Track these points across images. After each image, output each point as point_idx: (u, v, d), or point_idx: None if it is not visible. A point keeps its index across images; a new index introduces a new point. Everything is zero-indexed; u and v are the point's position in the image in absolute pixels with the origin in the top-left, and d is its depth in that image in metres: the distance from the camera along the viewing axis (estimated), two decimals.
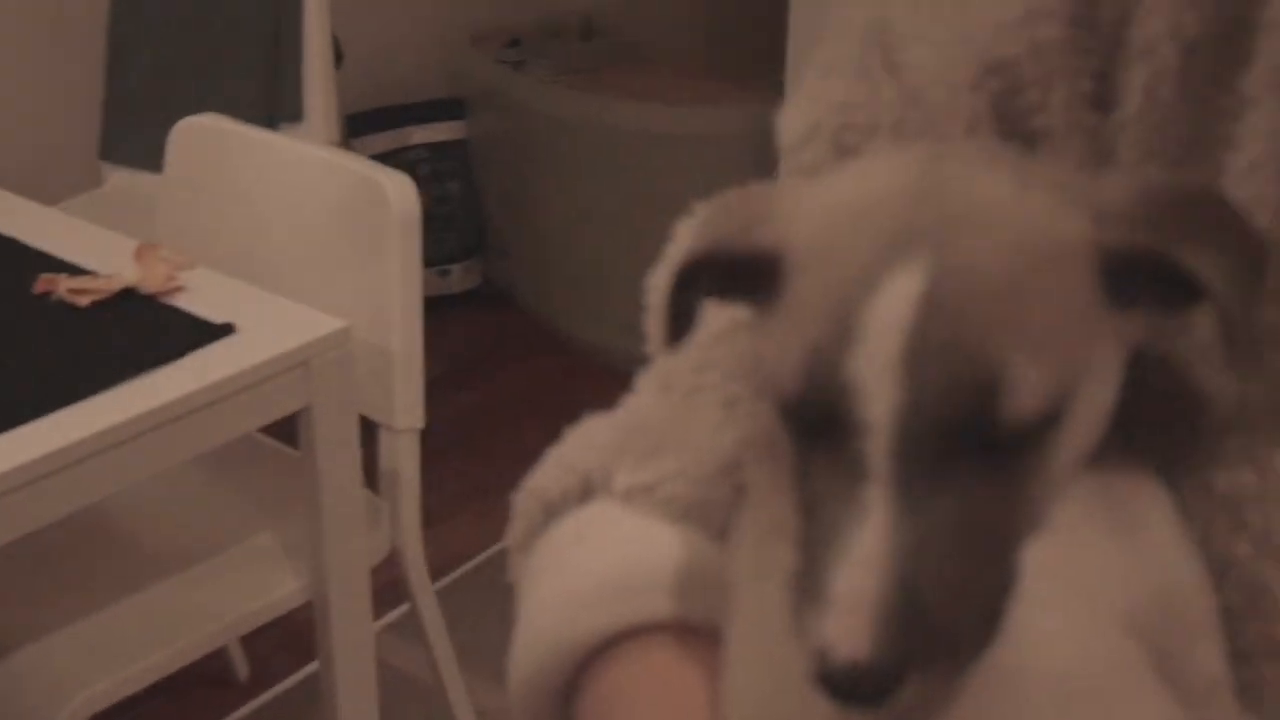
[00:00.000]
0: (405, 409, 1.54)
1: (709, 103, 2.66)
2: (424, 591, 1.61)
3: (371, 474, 1.56)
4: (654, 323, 0.61)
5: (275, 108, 2.22)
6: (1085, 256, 0.47)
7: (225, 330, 1.36)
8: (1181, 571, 0.53)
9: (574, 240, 2.79)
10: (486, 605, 1.97)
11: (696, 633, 0.59)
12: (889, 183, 0.49)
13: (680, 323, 0.55)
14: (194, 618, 1.45)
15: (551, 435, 0.66)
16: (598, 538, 0.61)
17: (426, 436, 1.57)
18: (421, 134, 2.95)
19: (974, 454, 0.46)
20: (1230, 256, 0.47)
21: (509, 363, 2.70)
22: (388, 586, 1.62)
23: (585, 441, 0.64)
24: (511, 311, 2.94)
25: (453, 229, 2.96)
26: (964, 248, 0.46)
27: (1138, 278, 0.48)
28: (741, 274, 0.52)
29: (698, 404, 0.62)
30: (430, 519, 1.64)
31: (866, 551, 0.45)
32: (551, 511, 0.63)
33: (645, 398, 0.65)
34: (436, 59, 3.02)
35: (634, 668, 0.59)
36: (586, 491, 0.63)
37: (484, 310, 2.95)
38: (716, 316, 0.63)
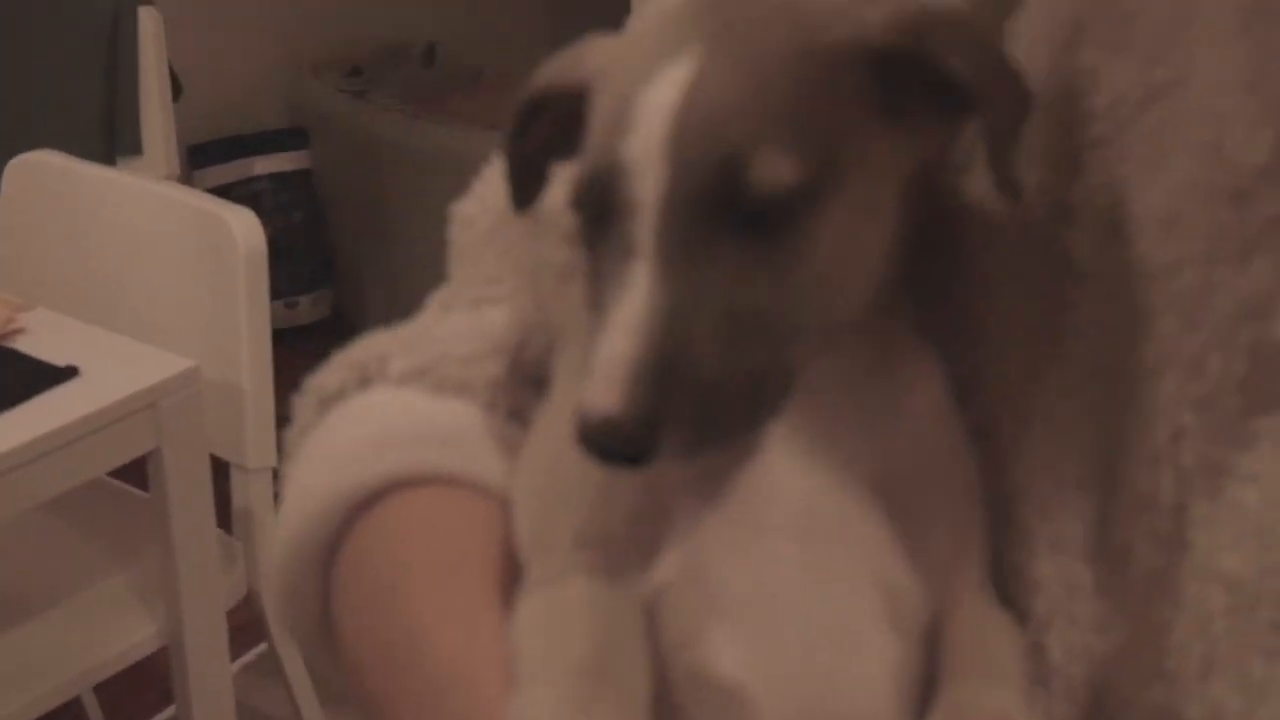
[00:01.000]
0: (257, 447, 1.52)
1: None
2: (282, 631, 1.58)
3: (226, 514, 1.53)
4: (502, 187, 0.62)
5: (113, 142, 2.18)
6: (852, 58, 0.50)
7: (69, 373, 1.33)
8: (940, 443, 0.55)
9: (424, 269, 2.76)
10: None
11: (464, 486, 0.60)
12: (668, 6, 0.52)
13: (527, 186, 0.57)
14: (46, 666, 1.41)
15: None
16: (369, 411, 0.63)
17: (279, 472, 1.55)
18: (264, 164, 2.91)
19: (736, 232, 0.48)
20: (990, 71, 0.50)
21: None
22: (246, 625, 1.60)
23: (365, 344, 0.66)
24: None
25: (299, 260, 2.93)
26: (734, 43, 0.49)
27: (909, 86, 0.50)
28: (571, 129, 0.54)
29: (475, 312, 0.65)
30: None
31: (624, 318, 0.47)
32: (327, 405, 0.64)
33: (426, 315, 0.68)
34: (277, 88, 2.99)
35: (399, 510, 0.60)
36: (364, 381, 0.64)
37: (336, 342, 2.85)
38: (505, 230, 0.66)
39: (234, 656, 1.55)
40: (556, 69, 0.55)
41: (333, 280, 3.01)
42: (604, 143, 0.49)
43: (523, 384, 0.63)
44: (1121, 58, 0.54)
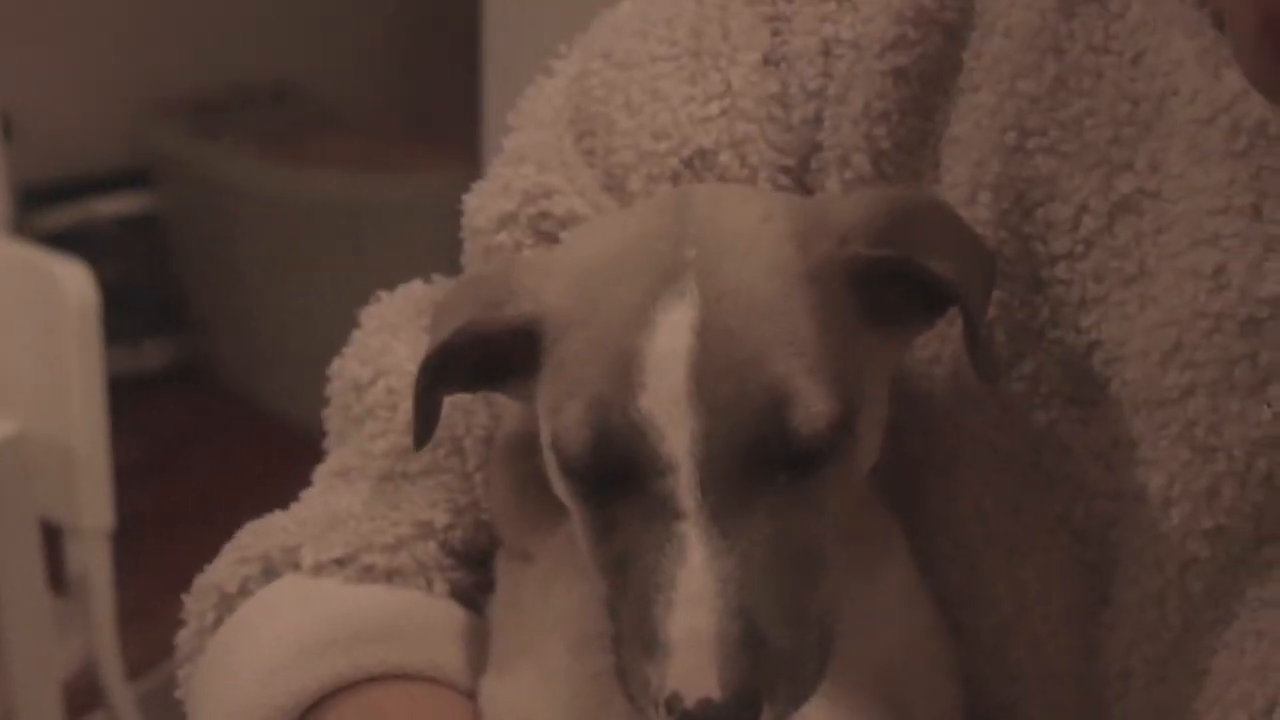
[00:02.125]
0: (91, 508, 1.46)
1: (407, 170, 2.65)
2: (120, 696, 1.54)
3: (60, 577, 1.47)
4: (408, 419, 0.58)
5: None
6: (837, 275, 0.48)
7: None
8: (914, 621, 0.54)
9: (276, 314, 2.73)
10: None
11: (419, 680, 0.56)
12: (640, 228, 0.50)
13: (428, 419, 0.53)
14: None
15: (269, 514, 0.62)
16: (290, 605, 0.57)
17: (127, 526, 1.51)
18: (106, 206, 2.83)
19: (776, 474, 0.46)
20: (965, 260, 0.49)
21: (217, 444, 2.59)
22: (83, 691, 1.54)
23: (261, 531, 0.61)
24: (216, 390, 2.83)
25: (143, 305, 2.84)
26: (726, 274, 0.46)
27: (887, 292, 0.49)
28: (493, 357, 0.51)
29: (388, 486, 0.60)
30: (135, 614, 1.56)
31: (695, 589, 0.44)
32: (228, 606, 0.59)
33: (322, 487, 0.62)
34: (118, 127, 2.90)
35: (354, 708, 0.55)
36: (270, 574, 0.59)
37: (186, 390, 2.82)
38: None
39: None
40: (481, 303, 0.51)
41: (182, 328, 2.93)
42: (609, 404, 0.46)
43: (457, 566, 0.59)
44: (1077, 165, 0.52)
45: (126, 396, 1.98)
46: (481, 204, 0.61)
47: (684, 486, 0.45)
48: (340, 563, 0.58)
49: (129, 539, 1.51)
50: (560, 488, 0.50)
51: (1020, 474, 0.54)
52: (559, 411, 0.47)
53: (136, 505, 1.54)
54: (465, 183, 0.64)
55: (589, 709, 0.51)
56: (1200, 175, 0.49)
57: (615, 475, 0.46)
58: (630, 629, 0.46)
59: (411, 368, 0.59)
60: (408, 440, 0.59)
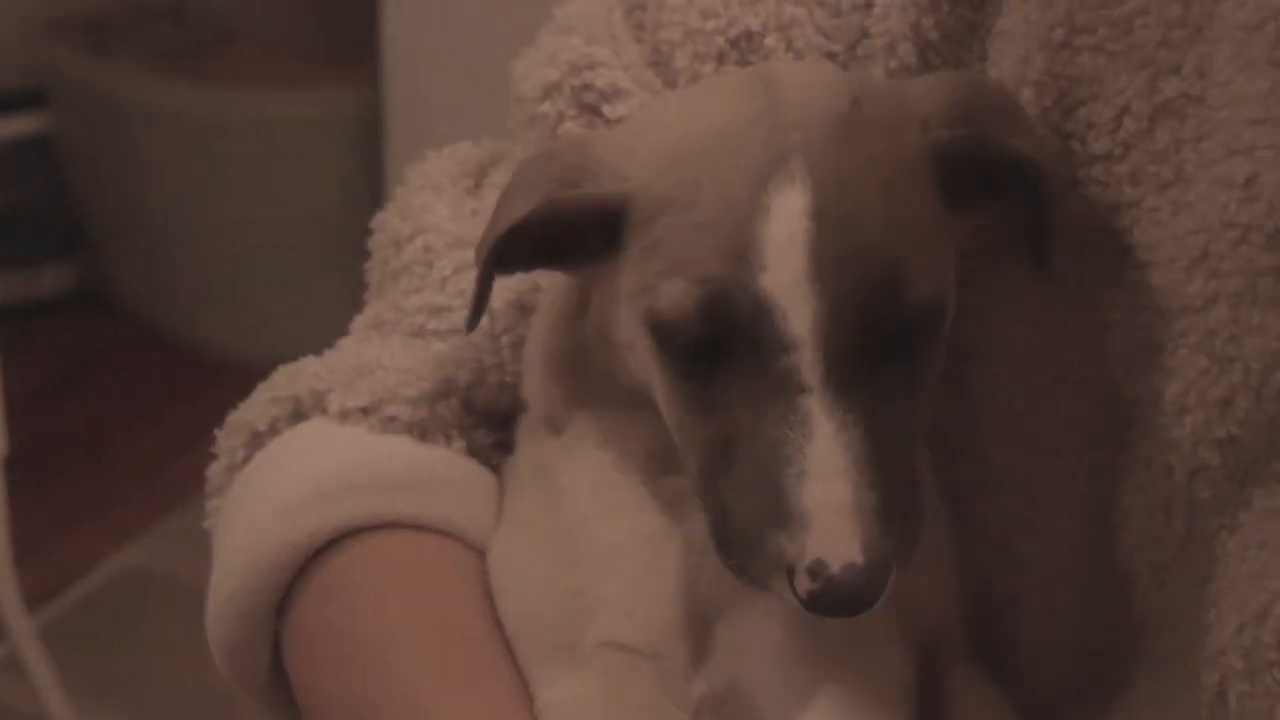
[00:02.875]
0: None
1: (308, 87, 2.58)
2: (20, 626, 1.51)
3: None
4: (442, 277, 0.60)
5: None
6: (926, 159, 0.50)
7: None
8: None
9: (179, 236, 2.66)
10: (106, 624, 1.88)
11: (432, 531, 0.57)
12: (730, 109, 0.50)
13: (485, 297, 0.53)
14: None
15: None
16: (314, 447, 0.59)
17: (26, 453, 1.48)
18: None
19: (891, 353, 0.48)
20: (1037, 142, 0.51)
21: (117, 370, 2.53)
22: None
23: (294, 374, 0.62)
24: (117, 314, 2.74)
25: (40, 230, 2.77)
26: (832, 160, 0.48)
27: (960, 176, 0.50)
28: (560, 236, 0.51)
29: (418, 342, 0.61)
30: (32, 544, 1.54)
31: (828, 461, 0.46)
32: (258, 443, 0.60)
33: (353, 340, 0.63)
34: (11, 46, 2.81)
35: (368, 560, 0.57)
36: (297, 415, 0.60)
37: (86, 314, 2.72)
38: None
39: None
40: (557, 180, 0.51)
41: (81, 251, 2.86)
42: (724, 277, 0.47)
43: (477, 425, 0.60)
44: (1123, 66, 0.52)
45: (24, 322, 1.94)
46: (527, 71, 0.62)
47: (807, 363, 0.47)
48: (365, 411, 0.59)
49: (25, 467, 1.48)
50: (653, 367, 0.50)
51: (1043, 371, 0.54)
52: (655, 290, 0.48)
53: (33, 432, 1.51)
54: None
55: (608, 566, 0.52)
56: (1243, 83, 0.49)
57: (724, 353, 0.47)
58: (744, 503, 0.47)
59: (452, 227, 0.62)
60: (440, 298, 0.62)
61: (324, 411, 0.60)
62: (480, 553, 0.58)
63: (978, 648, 0.57)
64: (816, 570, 0.45)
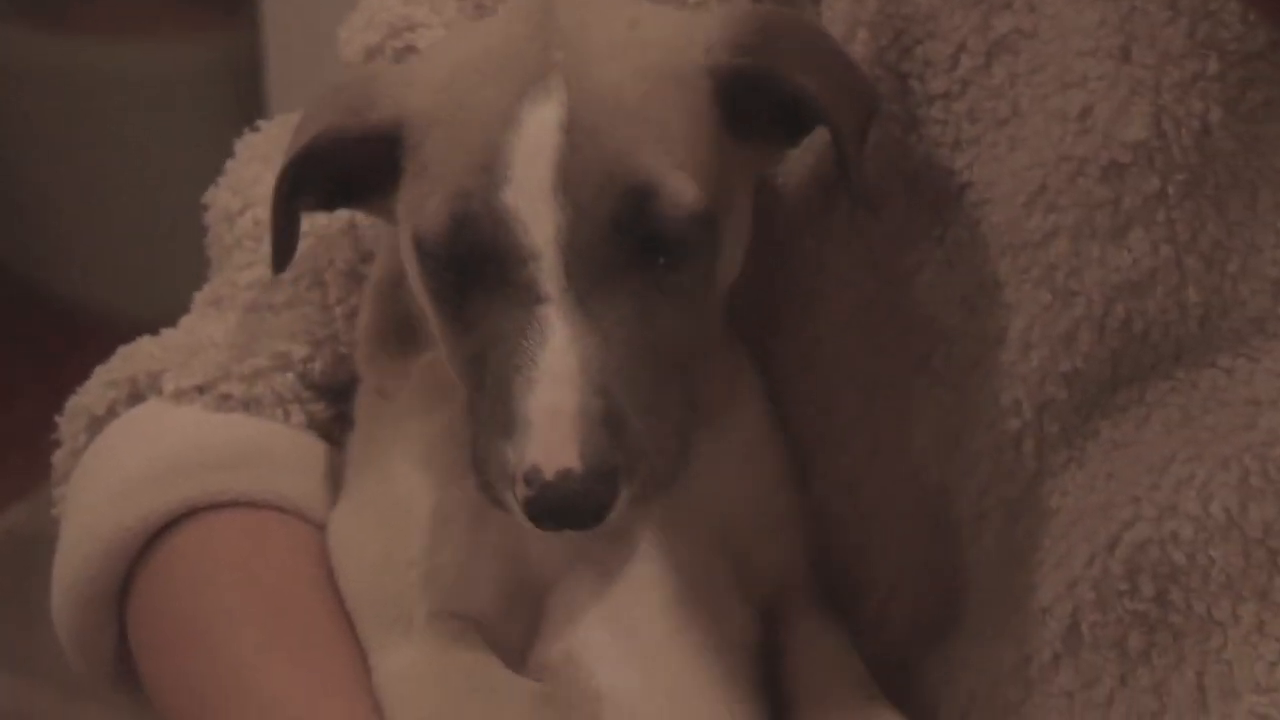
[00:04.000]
0: None
1: (182, 36, 2.52)
2: None
3: None
4: (265, 181, 0.59)
5: None
6: (702, 82, 0.49)
7: None
8: (766, 468, 0.56)
9: (48, 192, 2.59)
10: None
11: (267, 508, 0.57)
12: (505, 32, 0.51)
13: (288, 236, 0.53)
14: None
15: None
16: (148, 429, 0.59)
17: None
18: None
19: (642, 266, 0.47)
20: (834, 81, 0.50)
21: None
22: None
23: (129, 355, 0.61)
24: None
25: None
26: (594, 75, 0.48)
27: (754, 106, 0.50)
28: (353, 170, 0.51)
29: (253, 317, 0.61)
30: None
31: (556, 366, 0.45)
32: (97, 428, 0.60)
33: (193, 317, 0.63)
34: None
35: (201, 540, 0.57)
36: (135, 398, 0.60)
37: None
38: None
39: None
40: (341, 109, 0.51)
41: None
42: (474, 195, 0.47)
43: (316, 398, 0.60)
44: (957, 3, 0.52)
45: None
46: (349, 37, 0.62)
47: (546, 272, 0.46)
48: (200, 390, 0.58)
49: None
50: (420, 290, 0.50)
51: (884, 315, 0.55)
52: (420, 209, 0.48)
53: None
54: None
55: (439, 536, 0.52)
56: (1073, 15, 0.50)
57: (474, 268, 0.47)
58: (488, 416, 0.46)
59: None
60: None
61: (159, 392, 0.59)
62: (320, 528, 0.58)
63: (831, 594, 0.58)
64: (532, 476, 0.45)
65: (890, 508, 0.56)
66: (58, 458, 0.62)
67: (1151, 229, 0.49)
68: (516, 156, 0.47)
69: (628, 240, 0.47)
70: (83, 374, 0.64)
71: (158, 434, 0.58)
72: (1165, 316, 0.50)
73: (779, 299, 0.57)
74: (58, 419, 0.62)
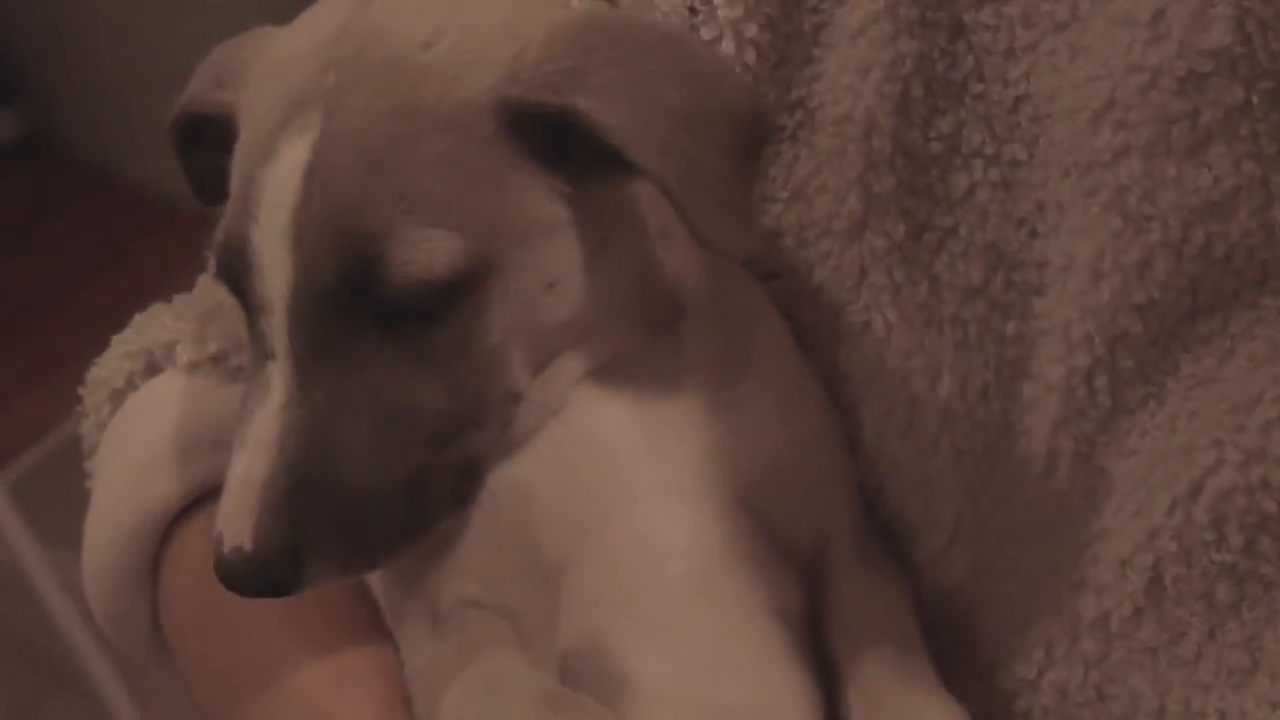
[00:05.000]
0: None
1: None
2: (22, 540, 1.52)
3: None
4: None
5: None
6: (484, 119, 0.44)
7: None
8: (794, 428, 0.52)
9: (123, 74, 2.58)
10: (74, 479, 1.86)
11: None
12: (313, 29, 0.47)
13: (199, 178, 0.51)
14: None
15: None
16: (163, 404, 0.57)
17: None
18: None
19: (382, 326, 0.44)
20: (651, 111, 0.44)
21: (67, 220, 2.44)
22: None
23: (145, 324, 0.60)
24: (63, 162, 2.64)
25: None
26: (351, 111, 0.44)
27: (555, 135, 0.45)
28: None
29: None
30: None
31: (259, 433, 0.43)
32: (118, 401, 0.59)
33: (209, 272, 0.60)
34: None
35: (211, 513, 0.54)
36: (152, 369, 0.58)
37: (29, 163, 2.62)
38: None
39: None
40: (209, 80, 0.49)
41: (21, 98, 2.78)
42: (234, 219, 0.45)
43: None
44: None
45: None
46: None
47: (275, 329, 0.44)
48: (215, 360, 0.57)
49: None
50: None
51: (936, 240, 0.51)
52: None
53: None
54: None
55: (453, 526, 0.49)
56: None
57: (243, 302, 0.45)
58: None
59: None
60: None
61: (174, 364, 0.58)
62: None
63: (888, 535, 0.55)
64: (216, 545, 0.43)
65: (949, 444, 0.52)
66: (86, 430, 0.61)
67: (1234, 144, 0.45)
68: (264, 197, 0.44)
69: (358, 303, 0.44)
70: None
71: (173, 409, 0.57)
72: (1249, 240, 0.46)
73: (822, 230, 0.53)
74: (81, 391, 0.61)
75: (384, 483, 0.44)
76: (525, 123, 0.44)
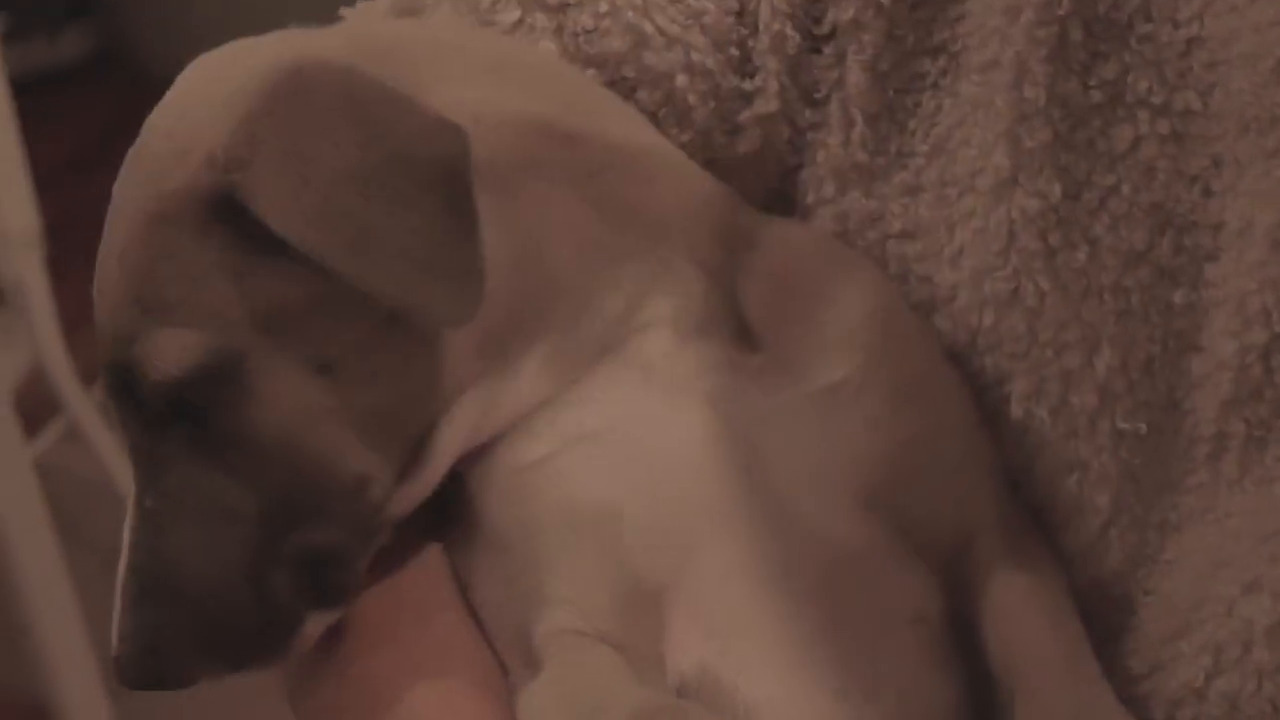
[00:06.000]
0: (16, 213, 1.40)
1: None
2: (77, 398, 1.51)
3: None
4: None
5: None
6: (190, 207, 0.43)
7: None
8: (913, 410, 0.49)
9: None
10: None
11: None
12: (193, 92, 0.47)
13: None
14: None
15: None
16: None
17: (59, 229, 1.44)
18: None
19: (169, 427, 0.44)
20: (299, 173, 0.41)
21: None
22: (41, 401, 1.51)
23: None
24: (141, 78, 2.51)
25: None
26: (116, 211, 0.45)
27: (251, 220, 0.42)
28: None
29: None
30: (80, 319, 1.52)
31: (125, 536, 0.44)
32: None
33: None
34: None
35: None
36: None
37: (108, 79, 2.61)
38: None
39: (34, 433, 1.48)
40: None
41: (99, 12, 2.78)
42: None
43: None
44: None
45: (45, 93, 1.86)
46: None
47: (116, 426, 0.46)
48: None
49: (65, 238, 1.46)
50: None
51: (1096, 200, 0.47)
52: None
53: (66, 208, 1.48)
54: None
55: (544, 557, 0.49)
56: None
57: None
58: None
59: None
60: None
61: None
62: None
63: (1040, 518, 0.51)
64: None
65: (1108, 424, 0.48)
66: None
67: None
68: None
69: (140, 405, 0.44)
70: None
71: None
72: None
73: (964, 185, 0.49)
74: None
75: (221, 582, 0.43)
76: (231, 204, 0.42)
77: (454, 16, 0.52)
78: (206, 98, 0.44)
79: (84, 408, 1.53)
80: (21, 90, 1.41)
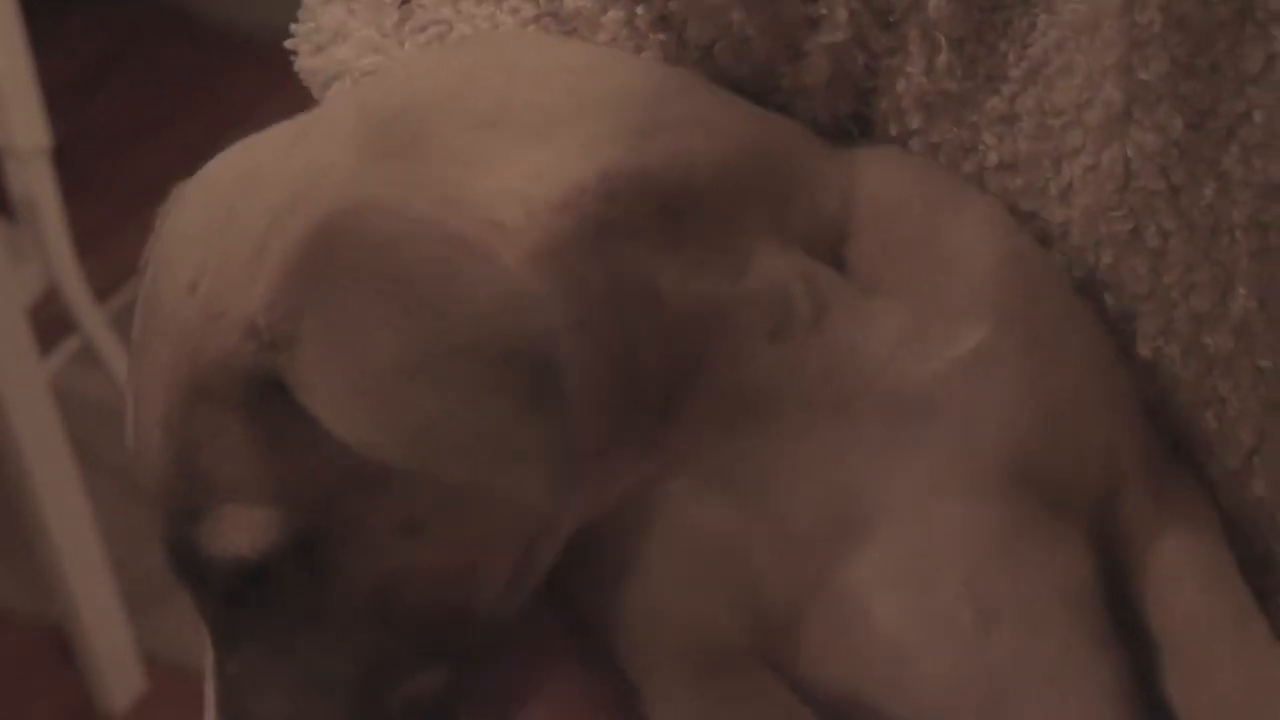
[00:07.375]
0: (26, 128, 1.39)
1: None
2: (91, 318, 1.46)
3: (6, 204, 1.42)
4: None
5: None
6: (236, 381, 0.38)
7: None
8: (1053, 382, 0.43)
9: None
10: None
11: None
12: (207, 212, 0.40)
13: None
14: None
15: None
16: None
17: (67, 151, 1.45)
18: None
19: (256, 596, 0.39)
20: (355, 367, 0.36)
21: (152, 56, 2.15)
22: (54, 320, 1.45)
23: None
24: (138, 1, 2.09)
25: None
26: (143, 374, 0.40)
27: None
28: None
29: None
30: (92, 236, 1.53)
31: (210, 700, 0.41)
32: None
33: None
34: None
35: None
36: None
37: (105, 2, 2.10)
38: None
39: (49, 351, 1.45)
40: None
41: None
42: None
43: None
44: None
45: (51, 12, 1.75)
46: (305, 60, 0.50)
47: (199, 597, 0.41)
48: None
49: (73, 160, 1.40)
50: None
51: (1223, 130, 0.42)
52: None
53: (74, 127, 1.41)
54: None
55: (663, 578, 0.43)
56: None
57: None
58: None
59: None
60: None
61: None
62: None
63: (1179, 447, 0.46)
64: None
65: (1247, 363, 0.43)
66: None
67: None
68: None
69: (211, 580, 0.39)
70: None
71: None
72: None
73: (1069, 117, 0.44)
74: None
75: None
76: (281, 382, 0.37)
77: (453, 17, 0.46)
78: (225, 247, 0.38)
79: (98, 326, 1.47)
80: (31, 6, 1.35)
